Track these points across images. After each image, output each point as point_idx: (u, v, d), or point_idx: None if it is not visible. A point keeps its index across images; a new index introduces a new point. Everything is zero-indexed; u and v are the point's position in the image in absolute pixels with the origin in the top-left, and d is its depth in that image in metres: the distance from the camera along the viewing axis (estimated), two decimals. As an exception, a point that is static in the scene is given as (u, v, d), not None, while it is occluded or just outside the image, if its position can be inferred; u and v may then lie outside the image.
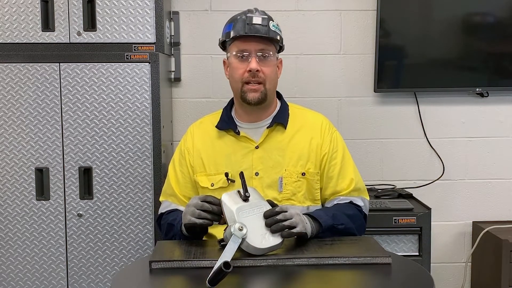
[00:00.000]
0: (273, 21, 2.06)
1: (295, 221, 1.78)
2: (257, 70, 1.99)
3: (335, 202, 2.10)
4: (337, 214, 1.98)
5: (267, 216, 1.77)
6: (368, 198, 2.18)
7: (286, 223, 1.76)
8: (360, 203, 2.11)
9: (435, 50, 3.07)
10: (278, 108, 2.14)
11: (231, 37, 2.02)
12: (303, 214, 1.90)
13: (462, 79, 3.12)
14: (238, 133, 2.08)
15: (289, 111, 2.15)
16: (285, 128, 2.10)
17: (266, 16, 2.04)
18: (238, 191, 1.82)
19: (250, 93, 2.02)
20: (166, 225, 2.06)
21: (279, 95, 2.20)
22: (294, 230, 1.77)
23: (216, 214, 1.84)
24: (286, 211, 1.79)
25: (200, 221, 1.85)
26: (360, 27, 3.12)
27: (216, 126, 2.12)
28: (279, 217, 1.76)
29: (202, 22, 3.08)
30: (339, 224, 1.95)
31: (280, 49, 2.12)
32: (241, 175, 1.85)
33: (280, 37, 2.07)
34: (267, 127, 2.08)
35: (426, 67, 3.11)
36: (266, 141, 2.08)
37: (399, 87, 3.13)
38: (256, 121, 2.10)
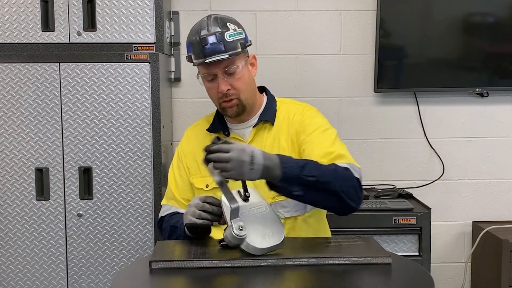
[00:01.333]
0: (229, 29, 1.96)
1: (228, 167, 1.66)
2: (228, 89, 1.97)
3: None
4: (310, 165, 1.78)
5: (205, 150, 1.68)
6: (359, 166, 1.94)
7: (218, 165, 1.66)
8: (346, 165, 1.87)
9: (435, 50, 3.07)
10: (264, 105, 2.13)
11: (192, 62, 2.00)
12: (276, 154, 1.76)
13: (462, 79, 3.12)
14: (228, 134, 2.09)
15: (277, 106, 2.12)
16: (273, 125, 2.08)
17: (219, 30, 1.94)
18: (238, 191, 1.82)
19: (228, 109, 2.01)
20: (169, 228, 2.06)
21: (265, 90, 2.18)
22: (223, 175, 1.66)
23: (216, 215, 1.84)
24: (228, 151, 1.66)
25: (200, 221, 1.85)
26: (360, 27, 3.12)
27: (208, 129, 2.13)
28: (213, 156, 1.67)
29: (202, 22, 3.08)
30: (309, 175, 1.74)
31: (247, 46, 2.04)
32: (241, 175, 1.85)
33: (241, 42, 1.98)
34: (253, 126, 2.08)
35: (426, 67, 3.11)
36: (254, 140, 2.07)
37: (399, 87, 3.13)
38: (244, 121, 2.10)
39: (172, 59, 3.04)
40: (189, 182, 2.13)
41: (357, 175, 1.88)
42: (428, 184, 3.18)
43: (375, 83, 3.07)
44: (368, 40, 3.11)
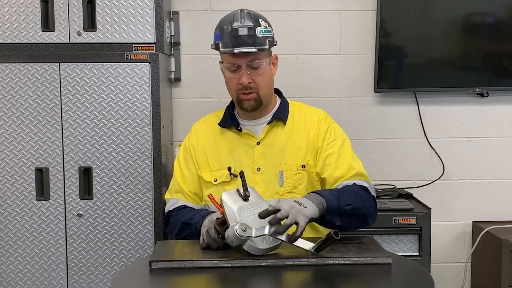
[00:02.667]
0: (260, 25, 2.03)
1: (294, 217, 1.73)
2: (249, 82, 2.03)
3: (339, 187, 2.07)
4: (343, 194, 1.93)
5: (262, 216, 1.73)
6: (371, 183, 2.13)
7: (288, 222, 1.72)
8: (364, 184, 2.06)
9: (435, 50, 3.07)
10: (278, 104, 2.19)
11: (220, 50, 2.05)
12: (310, 193, 1.91)
13: (462, 79, 3.12)
14: (240, 130, 2.14)
15: (289, 108, 2.19)
16: (285, 124, 2.14)
17: (252, 24, 2.01)
18: (237, 190, 1.82)
19: (245, 102, 2.07)
20: (180, 224, 2.07)
21: (279, 92, 2.24)
22: (299, 229, 1.73)
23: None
24: (279, 209, 1.73)
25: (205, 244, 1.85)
26: (360, 27, 3.12)
27: (219, 124, 2.18)
28: (278, 215, 1.72)
29: (202, 22, 3.08)
30: (345, 205, 1.89)
31: (274, 45, 2.11)
32: (241, 174, 1.87)
33: (270, 40, 2.06)
34: (267, 123, 2.13)
35: (426, 67, 3.11)
36: (267, 137, 2.13)
37: (399, 87, 3.13)
38: (257, 118, 2.15)
39: (172, 59, 3.04)
40: (197, 176, 2.17)
41: (373, 194, 2.07)
42: (428, 184, 3.17)
43: (375, 83, 3.07)
44: (368, 40, 3.11)
